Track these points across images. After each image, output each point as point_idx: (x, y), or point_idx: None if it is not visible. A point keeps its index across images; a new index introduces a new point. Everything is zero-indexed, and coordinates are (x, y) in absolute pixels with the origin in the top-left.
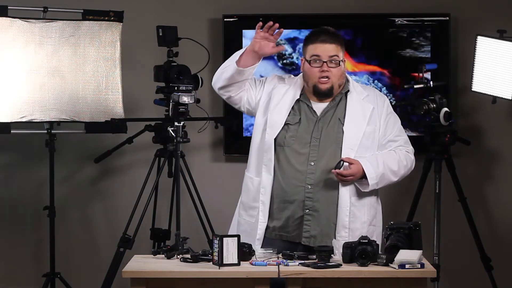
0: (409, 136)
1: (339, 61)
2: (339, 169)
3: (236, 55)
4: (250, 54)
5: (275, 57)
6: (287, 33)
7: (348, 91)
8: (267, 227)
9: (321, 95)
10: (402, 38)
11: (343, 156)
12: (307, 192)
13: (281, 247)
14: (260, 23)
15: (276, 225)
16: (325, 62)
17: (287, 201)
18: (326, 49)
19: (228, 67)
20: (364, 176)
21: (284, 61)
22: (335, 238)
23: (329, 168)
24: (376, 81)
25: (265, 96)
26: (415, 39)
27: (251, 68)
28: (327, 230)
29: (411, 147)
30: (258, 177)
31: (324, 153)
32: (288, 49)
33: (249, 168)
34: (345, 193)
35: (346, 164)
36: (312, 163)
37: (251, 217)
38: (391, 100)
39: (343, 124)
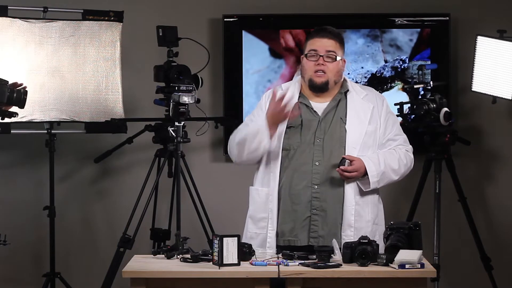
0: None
1: (336, 57)
2: (343, 166)
3: (257, 132)
4: (271, 127)
5: None
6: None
7: (348, 90)
8: (276, 234)
9: (317, 89)
10: (402, 39)
11: (347, 154)
12: (314, 192)
13: None
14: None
15: (284, 229)
16: (322, 56)
17: (294, 203)
18: (324, 44)
19: (259, 144)
20: (365, 174)
21: None
22: (341, 238)
23: (335, 167)
24: (375, 83)
25: None
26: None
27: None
28: (335, 229)
29: (410, 145)
30: (265, 187)
31: (329, 152)
32: None
33: (255, 181)
34: (350, 191)
35: (348, 161)
36: (317, 163)
37: (262, 228)
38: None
39: (345, 123)
